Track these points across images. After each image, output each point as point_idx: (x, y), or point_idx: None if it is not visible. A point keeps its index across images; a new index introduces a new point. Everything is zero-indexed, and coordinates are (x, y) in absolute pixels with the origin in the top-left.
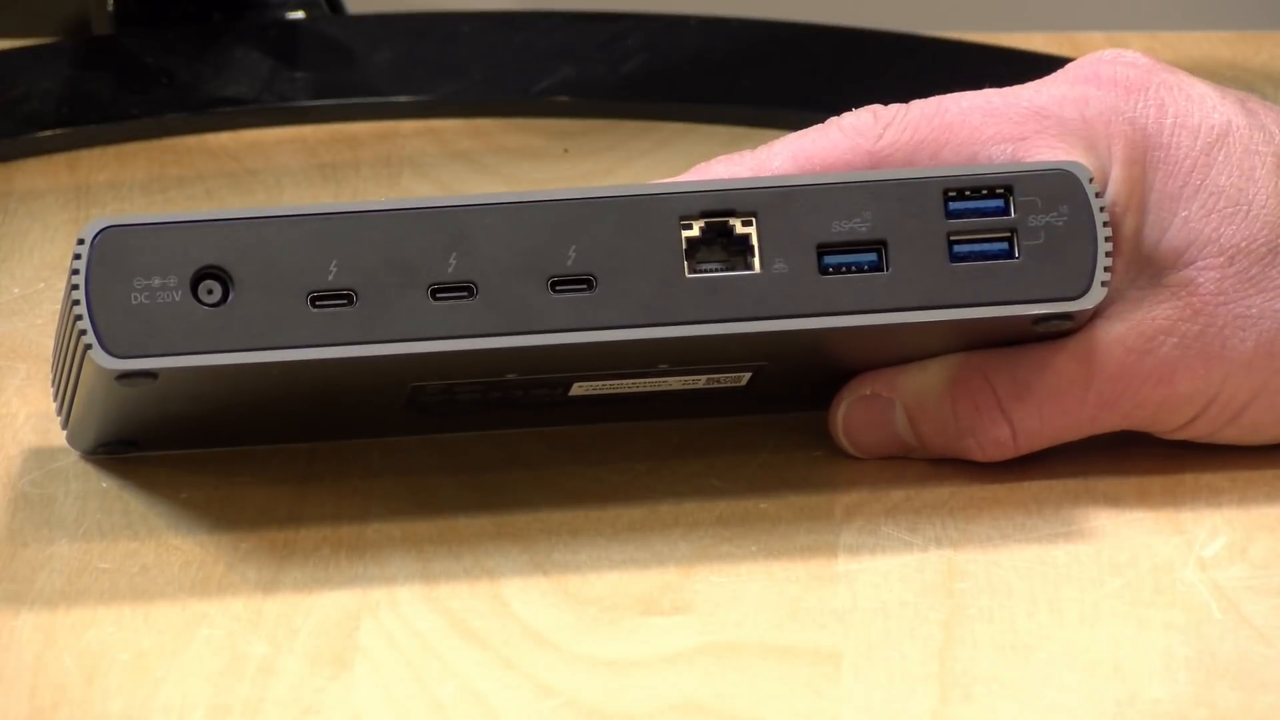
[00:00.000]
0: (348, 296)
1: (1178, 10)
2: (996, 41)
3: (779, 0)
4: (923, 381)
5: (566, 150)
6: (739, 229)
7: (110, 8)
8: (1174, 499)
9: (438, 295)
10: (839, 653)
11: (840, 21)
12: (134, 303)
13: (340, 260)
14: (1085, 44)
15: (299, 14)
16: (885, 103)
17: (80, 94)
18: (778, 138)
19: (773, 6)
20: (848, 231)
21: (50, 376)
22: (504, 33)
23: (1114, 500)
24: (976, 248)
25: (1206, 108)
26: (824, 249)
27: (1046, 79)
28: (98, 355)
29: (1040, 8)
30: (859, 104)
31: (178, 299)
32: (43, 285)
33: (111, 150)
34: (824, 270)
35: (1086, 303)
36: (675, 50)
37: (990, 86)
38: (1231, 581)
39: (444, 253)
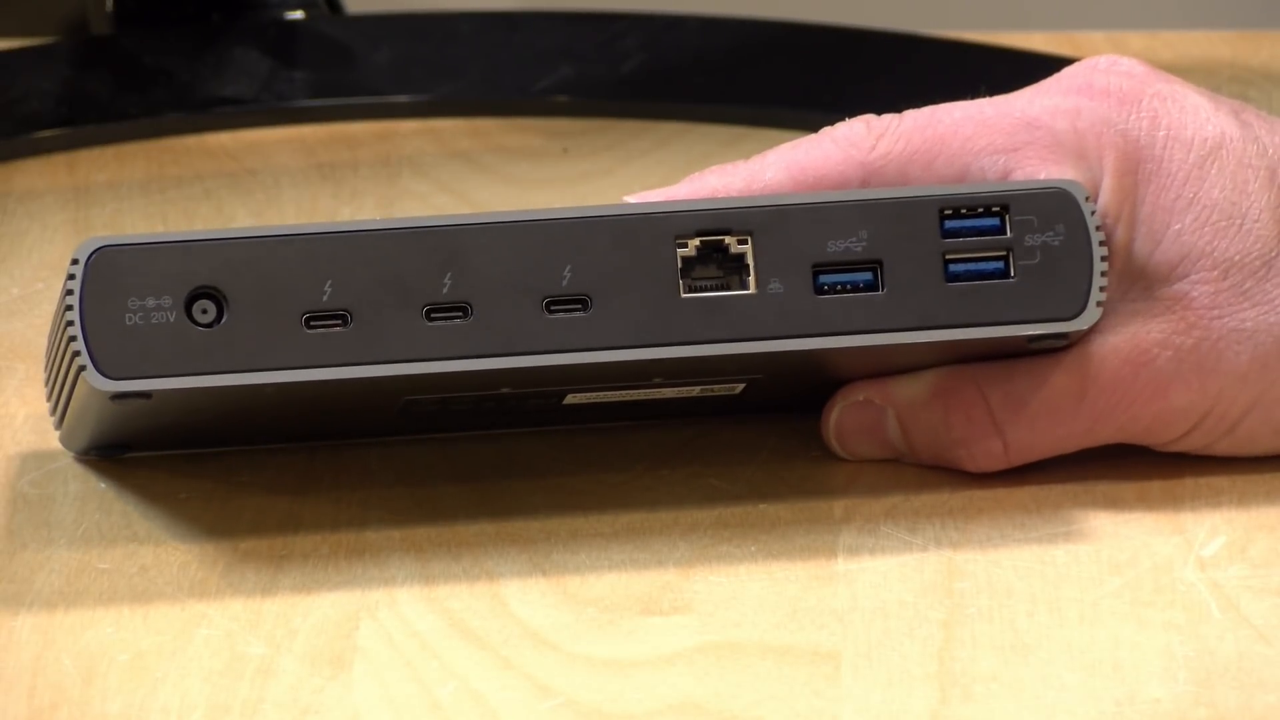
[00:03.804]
0: (342, 317)
1: (1178, 10)
2: (996, 41)
3: (779, 0)
4: (915, 391)
5: (566, 150)
6: (734, 248)
7: (109, 8)
8: (1173, 499)
9: (432, 316)
10: (838, 652)
11: (840, 21)
12: (128, 323)
13: (335, 280)
14: (1085, 43)
15: (298, 14)
16: (884, 103)
17: (79, 94)
18: (776, 138)
19: (773, 6)
20: (843, 251)
21: (45, 378)
22: (503, 32)
23: (1114, 500)
24: (972, 267)
25: (1200, 119)
26: (819, 268)
27: (1040, 87)
28: (91, 377)
29: (1040, 8)
30: (858, 104)
31: (172, 319)
32: (41, 285)
33: (110, 150)
34: (819, 290)
35: (1082, 323)
36: (674, 50)
37: (990, 87)
38: (1231, 581)
39: (439, 273)
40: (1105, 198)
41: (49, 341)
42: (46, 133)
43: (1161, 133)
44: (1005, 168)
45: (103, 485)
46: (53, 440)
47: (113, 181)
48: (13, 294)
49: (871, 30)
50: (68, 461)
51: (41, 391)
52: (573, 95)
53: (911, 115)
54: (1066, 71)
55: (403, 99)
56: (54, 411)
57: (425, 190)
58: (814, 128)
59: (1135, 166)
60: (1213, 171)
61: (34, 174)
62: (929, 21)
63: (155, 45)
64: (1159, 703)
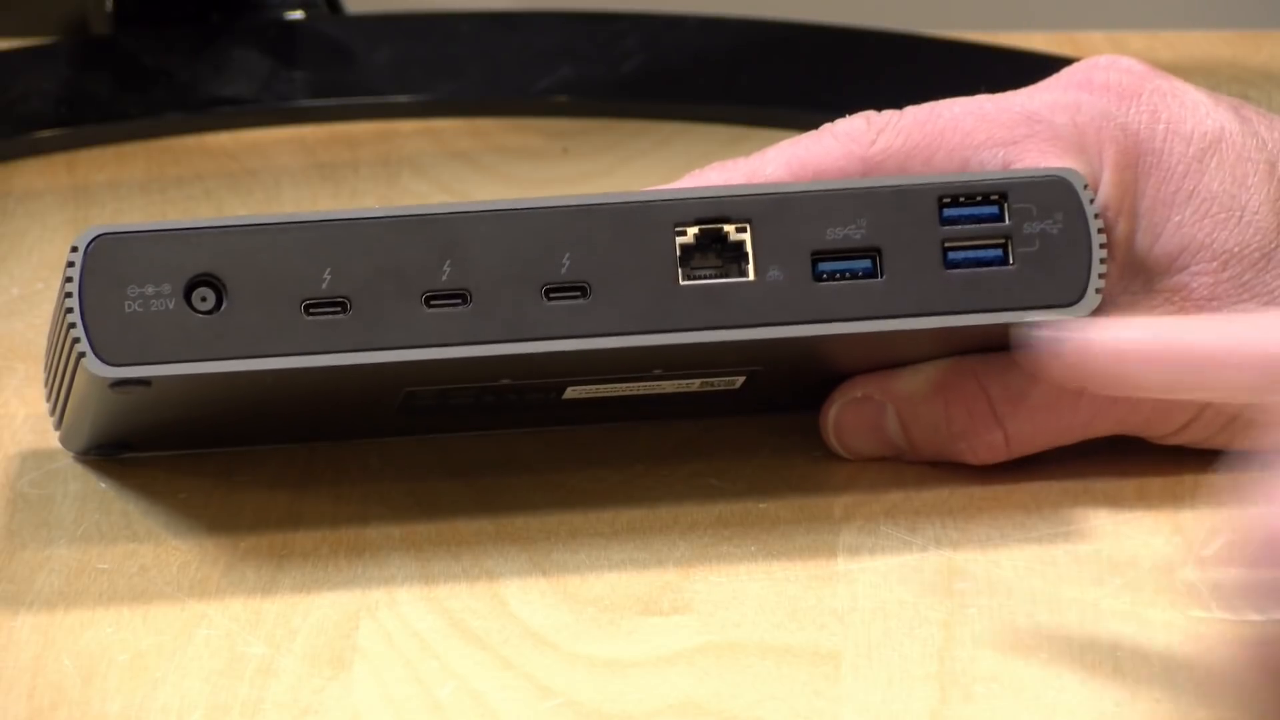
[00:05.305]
0: (342, 304)
1: (1178, 10)
2: (996, 41)
3: (779, 0)
4: (915, 385)
5: (565, 150)
6: (733, 236)
7: (109, 8)
8: (1174, 498)
9: (431, 303)
10: (839, 652)
11: (840, 21)
12: (127, 311)
13: (334, 268)
14: (1085, 43)
15: (298, 14)
16: (884, 103)
17: (79, 94)
18: (776, 138)
19: (773, 6)
20: (842, 238)
21: (44, 377)
22: (503, 32)
23: (1114, 500)
24: (971, 255)
25: (1200, 114)
26: (819, 256)
27: (1041, 84)
28: (91, 363)
29: (1040, 8)
30: (858, 104)
31: (171, 307)
32: (41, 285)
33: (110, 150)
34: (818, 277)
35: (1081, 311)
36: (674, 50)
37: (989, 86)
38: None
39: (438, 260)
40: (1105, 191)
41: (49, 337)
42: (46, 133)
43: (1161, 126)
44: (1005, 161)
45: (103, 485)
46: (53, 440)
47: (113, 181)
48: (13, 294)
49: (871, 30)
50: (68, 461)
51: (41, 392)
52: (573, 95)
53: (911, 111)
54: (1067, 69)
55: (403, 99)
56: (54, 410)
57: (425, 190)
58: (814, 128)
59: (1135, 160)
60: (1212, 164)
61: (34, 174)
62: (929, 21)
63: (155, 45)
64: (1159, 703)
